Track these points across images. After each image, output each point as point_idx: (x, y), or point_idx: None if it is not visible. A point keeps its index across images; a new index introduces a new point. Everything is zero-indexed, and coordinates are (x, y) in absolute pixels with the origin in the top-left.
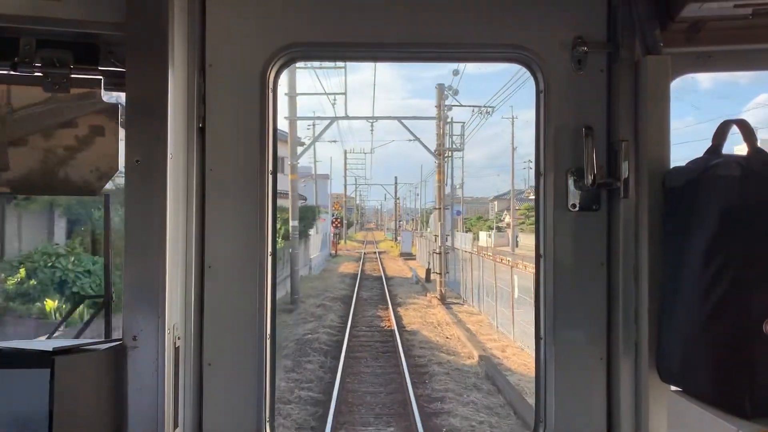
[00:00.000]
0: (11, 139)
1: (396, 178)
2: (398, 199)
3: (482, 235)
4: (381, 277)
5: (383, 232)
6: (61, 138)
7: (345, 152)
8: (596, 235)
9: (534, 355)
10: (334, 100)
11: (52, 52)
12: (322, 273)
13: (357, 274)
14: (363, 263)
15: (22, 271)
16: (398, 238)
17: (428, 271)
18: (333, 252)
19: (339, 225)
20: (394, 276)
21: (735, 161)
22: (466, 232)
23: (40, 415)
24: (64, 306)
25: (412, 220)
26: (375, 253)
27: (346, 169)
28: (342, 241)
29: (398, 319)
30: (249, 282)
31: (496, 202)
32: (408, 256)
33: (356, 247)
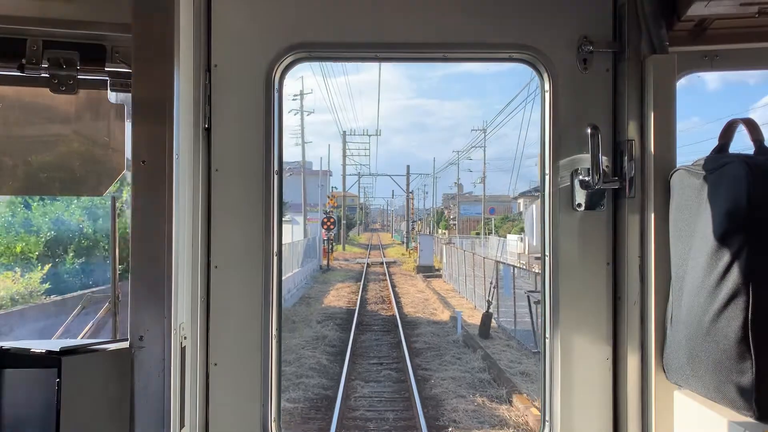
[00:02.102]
0: (18, 140)
1: (408, 167)
2: (411, 193)
3: (511, 238)
4: (395, 320)
5: (390, 234)
6: (67, 139)
7: (344, 133)
8: (602, 235)
9: (540, 356)
10: None
11: (58, 53)
12: (293, 309)
13: (353, 311)
14: (365, 284)
15: None
16: (412, 243)
17: (486, 318)
18: (325, 263)
19: (332, 226)
20: (417, 317)
21: (742, 160)
22: (487, 234)
23: (47, 415)
24: None
25: (420, 220)
26: (382, 264)
27: (345, 157)
28: (339, 247)
29: None
30: (255, 282)
31: (521, 200)
32: (429, 271)
33: (358, 255)
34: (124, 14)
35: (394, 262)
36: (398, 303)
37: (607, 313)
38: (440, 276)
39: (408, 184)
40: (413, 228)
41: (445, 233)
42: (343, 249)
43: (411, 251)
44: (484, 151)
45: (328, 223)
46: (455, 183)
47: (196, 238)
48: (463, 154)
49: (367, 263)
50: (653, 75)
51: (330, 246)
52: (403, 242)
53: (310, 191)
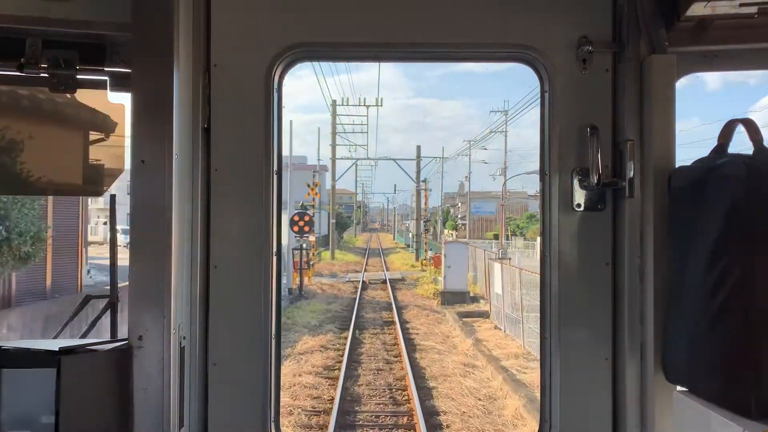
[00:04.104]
0: (17, 140)
1: (419, 148)
2: (424, 182)
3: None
4: None
5: (392, 236)
6: (66, 138)
7: (333, 103)
8: (601, 235)
9: (539, 356)
10: None
11: (58, 53)
12: None
13: None
14: (356, 340)
15: None
16: (426, 251)
17: None
18: (296, 286)
19: (307, 228)
20: None
21: (741, 160)
22: (511, 235)
23: (46, 414)
24: None
25: (429, 220)
26: (384, 283)
27: (334, 135)
28: (327, 254)
29: None
30: (254, 282)
31: None
32: (460, 300)
33: (351, 266)
34: (124, 14)
35: (402, 281)
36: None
37: (606, 313)
38: (486, 314)
39: (418, 172)
40: (426, 229)
41: (452, 234)
42: (332, 257)
43: (425, 262)
44: (506, 137)
45: (301, 223)
46: (465, 177)
47: (195, 238)
48: (476, 144)
49: (363, 282)
50: (653, 75)
51: (305, 257)
52: (408, 246)
53: (296, 185)
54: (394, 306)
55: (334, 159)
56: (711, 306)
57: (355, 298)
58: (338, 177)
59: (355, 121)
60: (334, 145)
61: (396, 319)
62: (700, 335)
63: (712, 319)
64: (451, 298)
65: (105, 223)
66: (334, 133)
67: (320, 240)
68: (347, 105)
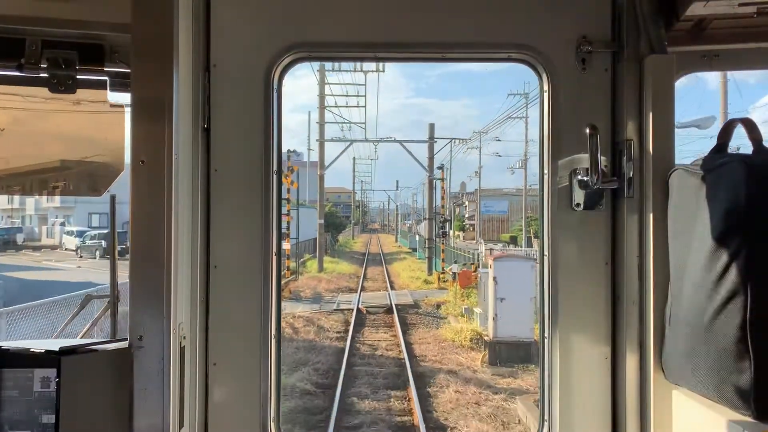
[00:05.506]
0: (17, 140)
1: (432, 126)
2: (441, 169)
3: None
4: None
5: (393, 237)
6: (66, 139)
7: (321, 67)
8: (601, 235)
9: (538, 356)
10: None
11: (57, 53)
12: None
13: None
14: None
15: None
16: (446, 262)
17: None
18: None
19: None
20: None
21: (740, 160)
22: (533, 237)
23: (46, 414)
24: None
25: (417, 221)
26: (389, 312)
27: (323, 109)
28: (314, 265)
29: None
30: (254, 282)
31: None
32: (522, 356)
33: (344, 280)
34: (123, 14)
35: (416, 308)
36: None
37: (605, 312)
38: None
39: (431, 158)
40: (443, 232)
41: (459, 235)
42: (320, 269)
43: (442, 276)
44: (526, 124)
45: None
46: (475, 173)
47: (195, 238)
48: (486, 135)
49: (358, 311)
50: (652, 75)
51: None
52: (414, 250)
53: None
54: (410, 371)
55: (322, 141)
56: (710, 305)
57: (343, 350)
58: (331, 162)
59: (349, 92)
60: (322, 123)
61: (419, 418)
62: (699, 335)
63: (711, 319)
64: (508, 353)
65: (63, 224)
66: (322, 107)
67: (308, 245)
68: (339, 71)
